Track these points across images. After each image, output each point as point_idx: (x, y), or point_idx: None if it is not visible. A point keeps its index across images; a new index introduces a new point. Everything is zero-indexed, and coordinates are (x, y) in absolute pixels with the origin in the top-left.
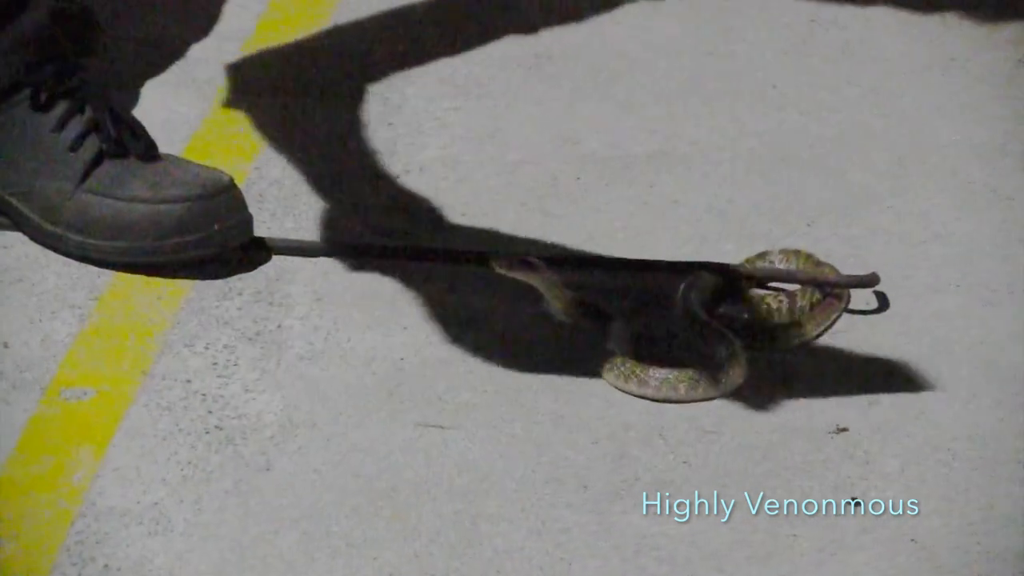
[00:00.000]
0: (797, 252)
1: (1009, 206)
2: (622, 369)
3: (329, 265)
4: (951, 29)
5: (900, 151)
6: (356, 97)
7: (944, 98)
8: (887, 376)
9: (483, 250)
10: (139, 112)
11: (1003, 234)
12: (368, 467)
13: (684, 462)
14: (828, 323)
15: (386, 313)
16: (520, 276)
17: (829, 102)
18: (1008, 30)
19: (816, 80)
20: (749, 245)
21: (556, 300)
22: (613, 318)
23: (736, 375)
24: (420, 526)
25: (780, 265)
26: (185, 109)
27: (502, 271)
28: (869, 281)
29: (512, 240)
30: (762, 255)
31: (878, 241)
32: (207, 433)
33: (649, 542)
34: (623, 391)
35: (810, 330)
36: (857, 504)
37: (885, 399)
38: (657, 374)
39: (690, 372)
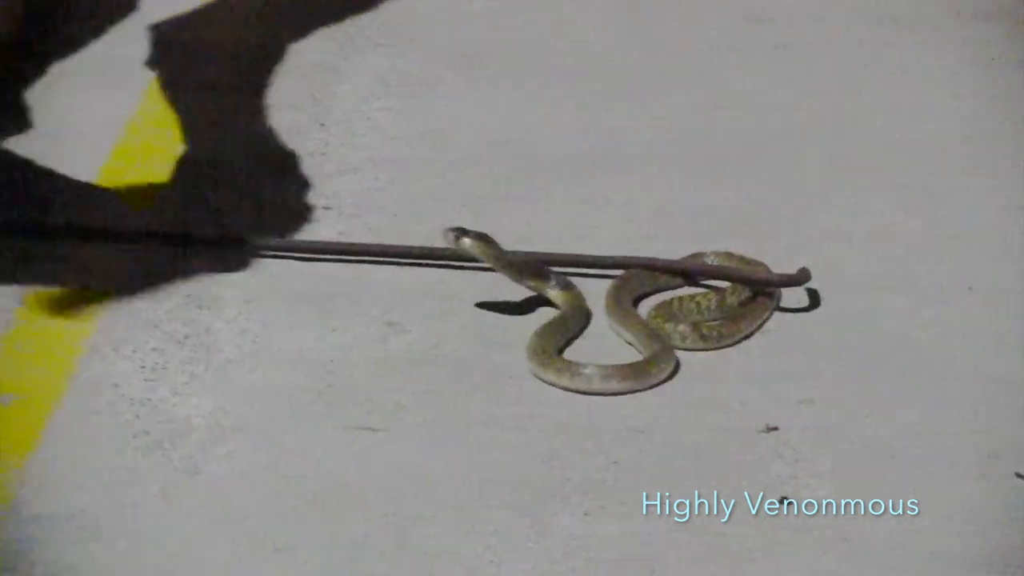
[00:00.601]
0: (729, 254)
1: (946, 204)
2: (552, 363)
3: (258, 267)
4: (893, 32)
5: (838, 150)
6: (287, 98)
7: (882, 98)
8: (818, 375)
9: (412, 249)
10: (65, 114)
11: (936, 231)
12: (297, 470)
13: (615, 462)
14: (760, 321)
15: (316, 315)
16: (468, 248)
17: (768, 101)
18: (953, 32)
19: (755, 79)
20: (690, 244)
21: (502, 267)
22: (552, 280)
23: (663, 369)
24: (350, 530)
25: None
26: (111, 111)
27: (450, 243)
28: (800, 279)
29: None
30: (695, 255)
31: (816, 240)
32: (135, 438)
33: (580, 543)
34: (554, 385)
35: (743, 328)
36: (789, 503)
37: (816, 398)
38: (588, 367)
39: (619, 365)
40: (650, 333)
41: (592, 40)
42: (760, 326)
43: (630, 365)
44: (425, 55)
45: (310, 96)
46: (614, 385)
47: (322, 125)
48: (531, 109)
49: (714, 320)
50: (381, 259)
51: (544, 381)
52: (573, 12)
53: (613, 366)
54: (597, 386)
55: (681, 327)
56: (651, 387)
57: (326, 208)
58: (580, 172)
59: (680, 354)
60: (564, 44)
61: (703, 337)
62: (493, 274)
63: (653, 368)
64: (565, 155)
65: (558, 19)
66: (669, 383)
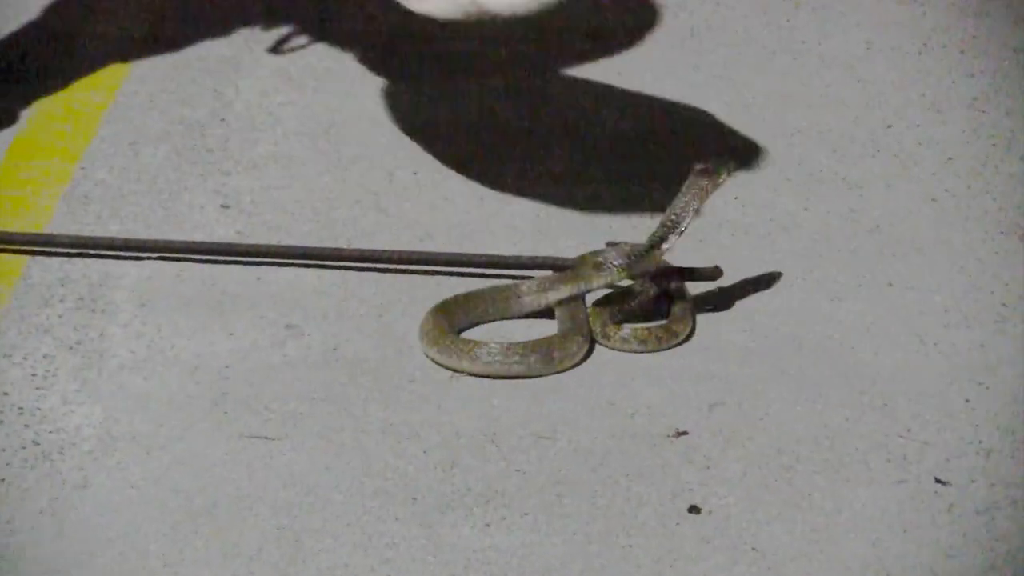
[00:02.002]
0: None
1: (858, 195)
2: (450, 345)
3: (155, 270)
4: (801, 12)
5: (746, 139)
6: (188, 91)
7: (792, 84)
8: (730, 376)
9: (317, 249)
10: None
11: (851, 224)
12: (189, 482)
13: (517, 470)
14: (692, 323)
15: (213, 319)
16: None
17: (674, 89)
18: (858, 14)
19: (662, 67)
20: (589, 240)
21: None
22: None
23: (570, 353)
24: (241, 544)
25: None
26: (10, 107)
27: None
28: (711, 274)
29: (344, 238)
30: (595, 253)
31: (723, 234)
32: (23, 448)
33: (479, 556)
34: (450, 368)
35: (681, 331)
36: (696, 511)
37: (728, 400)
38: (487, 349)
39: (521, 347)
40: (571, 315)
41: (493, 32)
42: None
43: (537, 347)
44: (329, 47)
45: (211, 90)
46: (513, 368)
47: (223, 120)
48: (432, 102)
49: (653, 324)
50: (279, 261)
51: (439, 364)
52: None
53: (514, 345)
54: (512, 370)
55: (624, 331)
56: (556, 372)
57: (224, 207)
58: (481, 166)
59: (614, 357)
60: (465, 36)
61: (643, 341)
62: (394, 275)
63: (558, 351)
64: (464, 149)
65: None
66: (575, 386)
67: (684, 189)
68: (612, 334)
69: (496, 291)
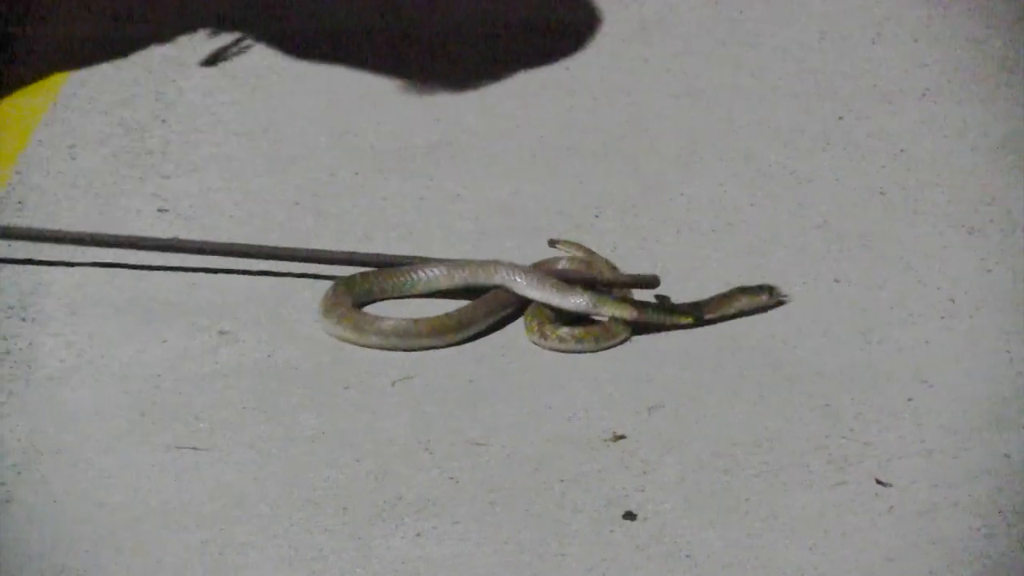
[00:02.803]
0: (579, 246)
1: (807, 189)
2: (350, 318)
3: (85, 276)
4: (754, 3)
5: (694, 134)
6: (129, 93)
7: (742, 76)
8: (669, 378)
9: (254, 249)
10: None
11: (799, 220)
12: (114, 495)
13: (451, 478)
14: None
15: (145, 326)
16: None
17: (623, 84)
18: (811, 5)
19: (610, 61)
20: (533, 239)
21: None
22: None
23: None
24: (164, 559)
25: (563, 265)
26: None
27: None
28: (649, 282)
29: (282, 240)
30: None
31: (668, 231)
32: None
33: (410, 568)
34: (349, 342)
35: (619, 334)
36: (632, 517)
37: (666, 403)
38: (388, 322)
39: (418, 319)
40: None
41: (440, 25)
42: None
43: (435, 318)
44: (270, 46)
45: (153, 91)
46: (420, 342)
47: (164, 122)
48: (371, 99)
49: (591, 324)
50: (212, 268)
51: (344, 340)
52: None
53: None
54: (411, 343)
55: (563, 330)
56: (456, 344)
57: (161, 211)
58: (423, 165)
59: (524, 358)
60: (410, 31)
61: (580, 340)
62: (330, 279)
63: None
64: (407, 147)
65: (403, 5)
66: (510, 390)
67: (724, 293)
68: (550, 333)
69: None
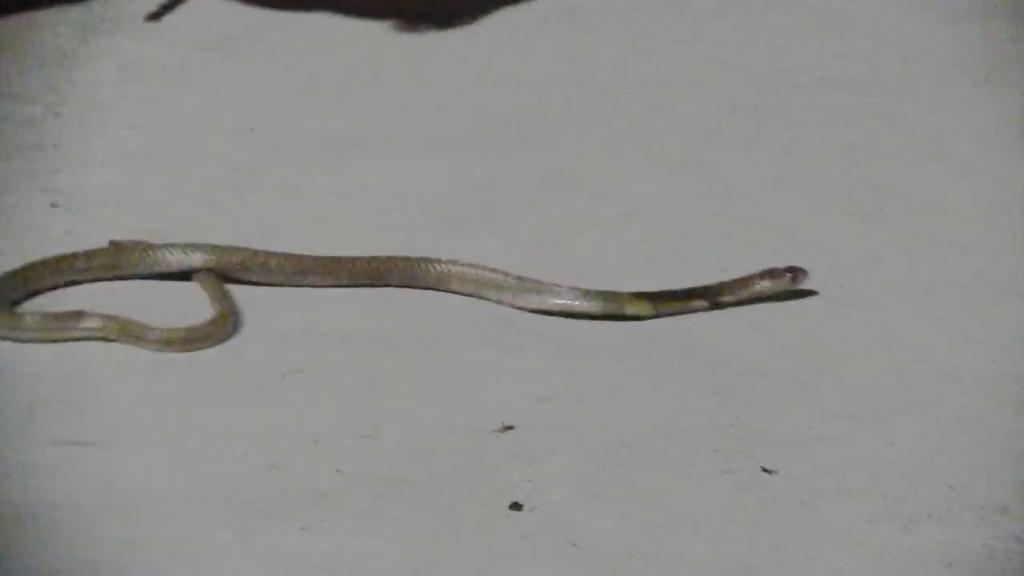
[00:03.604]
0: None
1: (713, 181)
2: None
3: None
4: None
5: (608, 125)
6: (20, 85)
7: (658, 68)
8: (560, 369)
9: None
10: None
11: (697, 210)
12: (7, 489)
13: (338, 471)
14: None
15: None
16: None
17: (532, 75)
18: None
19: (519, 53)
20: (441, 233)
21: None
22: None
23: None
24: (51, 556)
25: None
26: None
27: None
28: None
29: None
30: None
31: (574, 224)
32: None
33: (298, 561)
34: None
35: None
36: (518, 508)
37: (556, 394)
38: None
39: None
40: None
41: (342, 19)
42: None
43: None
44: (170, 39)
45: (46, 85)
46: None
47: (57, 115)
48: (274, 94)
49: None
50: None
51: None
52: None
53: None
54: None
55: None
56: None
57: (53, 206)
58: (326, 158)
59: (414, 352)
60: (313, 25)
61: (168, 342)
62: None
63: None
64: (315, 140)
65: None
66: (400, 383)
67: (745, 277)
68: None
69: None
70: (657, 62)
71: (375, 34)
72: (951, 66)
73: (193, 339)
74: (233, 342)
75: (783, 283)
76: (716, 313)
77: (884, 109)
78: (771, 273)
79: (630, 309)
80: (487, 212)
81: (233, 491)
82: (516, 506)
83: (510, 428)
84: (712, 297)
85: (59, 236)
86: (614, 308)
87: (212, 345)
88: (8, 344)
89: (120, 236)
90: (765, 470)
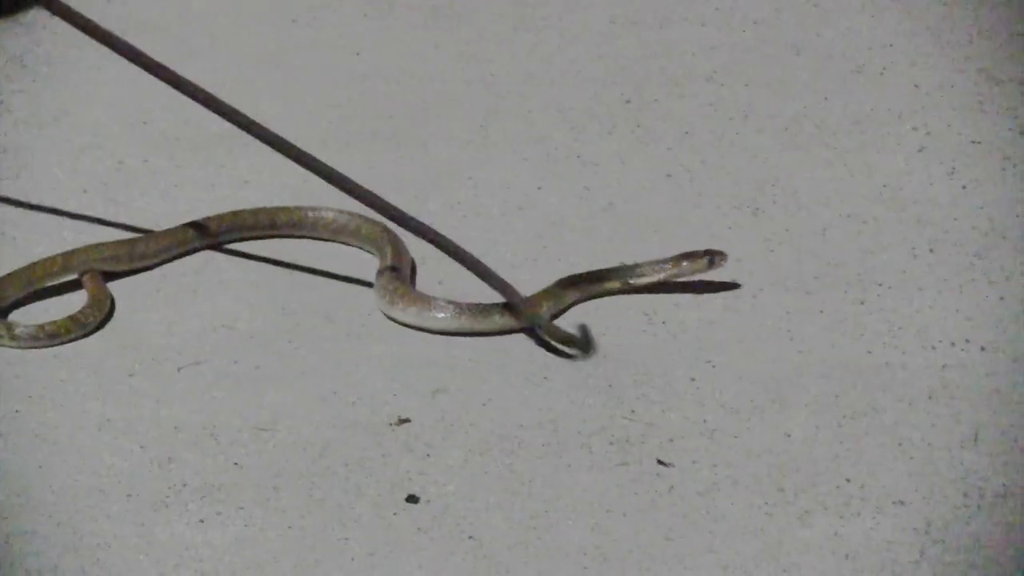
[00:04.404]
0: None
1: (595, 173)
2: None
3: None
4: None
5: (484, 119)
6: None
7: (534, 61)
8: (453, 361)
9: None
10: None
11: (586, 203)
12: None
13: (235, 463)
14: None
15: None
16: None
17: (415, 69)
18: None
19: (402, 46)
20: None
21: None
22: None
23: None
24: None
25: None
26: None
27: None
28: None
29: (71, 229)
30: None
31: (456, 216)
32: None
33: (192, 553)
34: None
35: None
36: (415, 500)
37: (451, 386)
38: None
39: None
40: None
41: (235, 10)
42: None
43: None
44: (60, 33)
45: None
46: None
47: None
48: (164, 86)
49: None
50: None
51: None
52: None
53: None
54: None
55: (22, 329)
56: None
57: None
58: (214, 151)
59: (311, 343)
60: (207, 16)
61: (53, 335)
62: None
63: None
64: (198, 134)
65: None
66: (296, 376)
67: (662, 259)
68: (5, 331)
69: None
70: (544, 55)
71: (259, 33)
72: (831, 57)
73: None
74: (129, 335)
75: (700, 265)
76: (608, 305)
77: (769, 101)
78: (689, 256)
79: (545, 306)
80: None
81: (131, 484)
82: (412, 499)
83: (406, 421)
84: (625, 279)
85: None
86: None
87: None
88: None
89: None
90: (661, 462)
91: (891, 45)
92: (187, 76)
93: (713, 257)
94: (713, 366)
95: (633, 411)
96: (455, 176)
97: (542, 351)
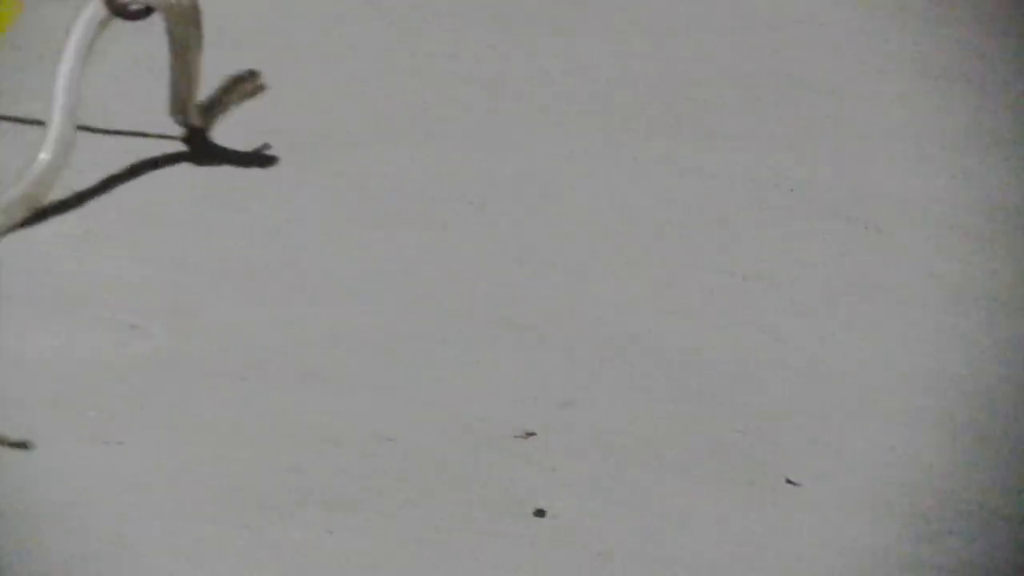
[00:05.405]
0: None
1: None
2: None
3: None
4: None
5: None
6: None
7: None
8: (580, 374)
9: None
10: None
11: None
12: (25, 488)
13: (361, 474)
14: None
15: (53, 316)
16: None
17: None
18: None
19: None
20: None
21: None
22: None
23: None
24: (67, 550)
25: None
26: None
27: None
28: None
29: None
30: None
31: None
32: None
33: (317, 563)
34: None
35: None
36: (541, 515)
37: (579, 399)
38: None
39: None
40: None
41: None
42: None
43: None
44: None
45: None
46: None
47: None
48: None
49: None
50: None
51: None
52: None
53: None
54: None
55: None
56: None
57: None
58: None
59: (435, 353)
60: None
61: None
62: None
63: None
64: None
65: None
66: (416, 384)
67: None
68: None
69: None
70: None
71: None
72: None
73: None
74: (247, 344)
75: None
76: (718, 324)
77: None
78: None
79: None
80: None
81: (254, 491)
82: (540, 513)
83: (532, 434)
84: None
85: None
86: None
87: None
88: (34, 343)
89: None
90: (790, 482)
91: None
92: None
93: (255, 75)
94: (841, 383)
95: (762, 429)
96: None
97: (672, 365)
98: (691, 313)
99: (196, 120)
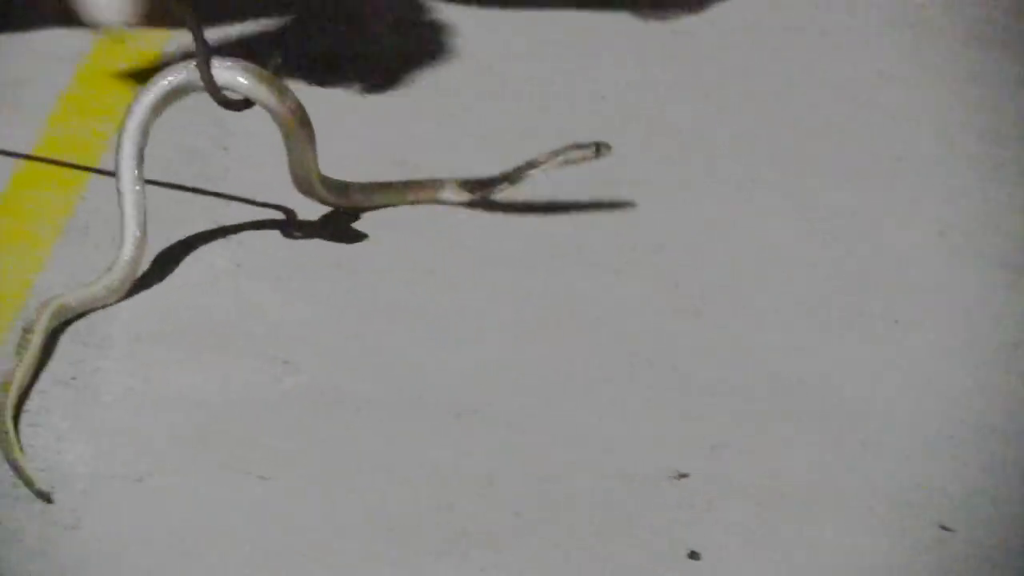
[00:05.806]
0: None
1: None
2: None
3: (149, 302)
4: None
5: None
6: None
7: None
8: (729, 415)
9: None
10: None
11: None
12: (179, 522)
13: (516, 513)
14: None
15: (207, 353)
16: None
17: None
18: None
19: None
20: None
21: None
22: None
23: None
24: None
25: None
26: (12, 134)
27: None
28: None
29: None
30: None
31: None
32: (14, 488)
33: None
34: None
35: None
36: (696, 557)
37: (731, 441)
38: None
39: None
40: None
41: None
42: None
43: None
44: None
45: None
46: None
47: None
48: None
49: None
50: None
51: None
52: None
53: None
54: None
55: None
56: None
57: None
58: None
59: (585, 391)
60: None
61: None
62: (396, 299)
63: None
64: None
65: None
66: (573, 425)
67: (556, 150)
68: None
69: None
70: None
71: None
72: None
73: None
74: (400, 382)
75: (587, 153)
76: (862, 367)
77: None
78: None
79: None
80: None
81: (410, 529)
82: (694, 555)
83: (684, 476)
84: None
85: None
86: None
87: None
88: (186, 379)
89: None
90: (944, 528)
91: None
92: None
93: (599, 148)
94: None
95: (914, 473)
96: None
97: (829, 405)
98: (853, 359)
99: (325, 197)
